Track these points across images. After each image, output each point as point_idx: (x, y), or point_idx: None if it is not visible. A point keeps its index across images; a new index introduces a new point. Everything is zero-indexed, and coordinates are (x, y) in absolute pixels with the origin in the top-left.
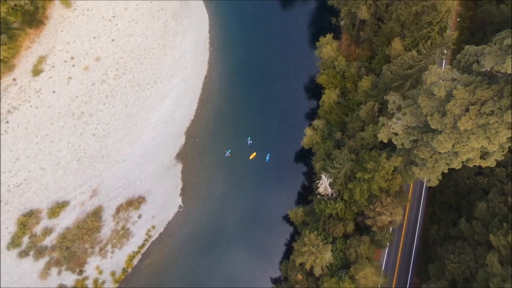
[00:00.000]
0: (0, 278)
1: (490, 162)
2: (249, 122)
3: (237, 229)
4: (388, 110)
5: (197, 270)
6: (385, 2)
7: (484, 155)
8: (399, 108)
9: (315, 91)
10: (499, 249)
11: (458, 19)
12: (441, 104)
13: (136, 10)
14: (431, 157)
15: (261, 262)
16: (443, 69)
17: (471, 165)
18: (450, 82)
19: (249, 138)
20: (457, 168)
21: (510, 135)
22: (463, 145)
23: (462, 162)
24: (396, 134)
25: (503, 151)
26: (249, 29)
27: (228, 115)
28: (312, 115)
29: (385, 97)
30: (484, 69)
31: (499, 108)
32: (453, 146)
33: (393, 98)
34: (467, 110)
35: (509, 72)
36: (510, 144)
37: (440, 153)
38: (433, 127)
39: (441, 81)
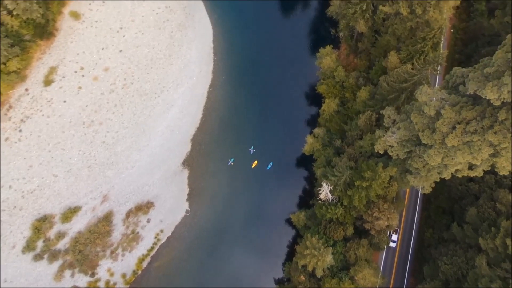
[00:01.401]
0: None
1: (477, 173)
2: (251, 129)
3: (241, 232)
4: (384, 123)
5: (203, 271)
6: (382, 17)
7: (472, 166)
8: (394, 123)
9: (315, 98)
10: (487, 252)
11: (452, 30)
12: (431, 121)
13: (142, 21)
14: (424, 167)
15: (264, 263)
16: (435, 87)
17: (460, 176)
18: (439, 101)
19: (252, 147)
20: (447, 178)
21: (491, 152)
22: (451, 159)
23: (452, 173)
24: (391, 146)
25: (489, 163)
26: (252, 39)
27: (232, 123)
28: (312, 121)
29: (381, 111)
30: (468, 92)
31: (482, 128)
32: (442, 159)
33: (388, 113)
34: (454, 128)
35: (488, 98)
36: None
37: None
38: (424, 142)
39: (431, 100)
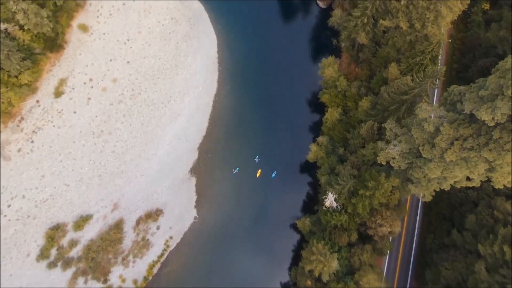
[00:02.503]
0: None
1: (475, 183)
2: (256, 136)
3: (248, 237)
4: (386, 137)
5: (212, 276)
6: (382, 30)
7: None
8: (395, 136)
9: (318, 106)
10: (486, 258)
11: (450, 40)
12: (431, 136)
13: (149, 33)
14: (424, 177)
15: (271, 267)
16: (434, 104)
17: (458, 186)
18: (438, 118)
19: (257, 156)
20: (446, 189)
21: (487, 167)
22: (450, 172)
23: (451, 184)
24: (393, 158)
25: (485, 175)
26: (255, 48)
27: (237, 131)
28: (316, 128)
29: (382, 124)
30: (465, 111)
31: (478, 145)
32: (441, 172)
33: (390, 126)
34: (452, 144)
35: (483, 119)
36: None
37: None
38: (424, 156)
39: (430, 117)
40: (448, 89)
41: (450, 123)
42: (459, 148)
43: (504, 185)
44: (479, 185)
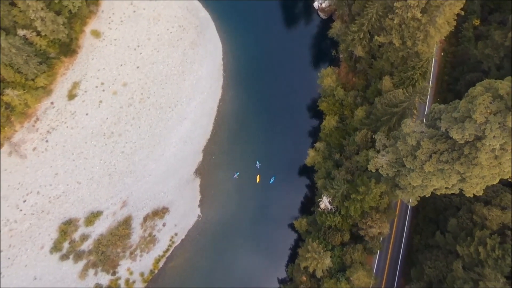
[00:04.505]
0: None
1: (454, 190)
2: (258, 140)
3: (248, 236)
4: (376, 147)
5: (214, 270)
6: (377, 44)
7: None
8: (384, 146)
9: (317, 112)
10: (464, 257)
11: (442, 53)
12: (413, 149)
13: (158, 40)
14: (409, 184)
15: (269, 264)
16: (417, 120)
17: (439, 193)
18: (419, 133)
19: (257, 162)
20: (427, 196)
21: (459, 178)
22: (429, 181)
23: (431, 191)
24: (382, 166)
25: (458, 184)
26: (258, 56)
27: (239, 135)
28: (315, 133)
29: (374, 136)
30: (441, 129)
31: (452, 158)
32: (422, 181)
33: (379, 138)
34: (430, 156)
35: (454, 137)
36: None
37: None
38: (407, 166)
39: (413, 132)
40: (432, 106)
41: (429, 138)
42: (436, 161)
43: (473, 194)
44: (457, 192)
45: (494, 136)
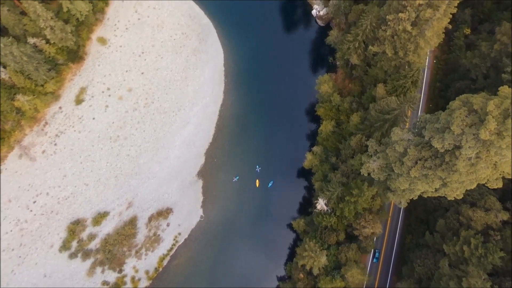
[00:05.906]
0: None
1: (440, 193)
2: (258, 144)
3: (249, 235)
4: (368, 152)
5: (216, 268)
6: (372, 53)
7: (436, 189)
8: (375, 152)
9: (315, 117)
10: (450, 256)
11: (434, 61)
12: (401, 155)
13: (161, 47)
14: (399, 187)
15: (269, 263)
16: (404, 129)
17: (426, 196)
18: (406, 141)
19: (257, 166)
20: (415, 199)
21: (441, 183)
22: (415, 185)
23: (418, 195)
24: (373, 170)
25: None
26: (259, 62)
27: (240, 138)
28: (312, 137)
29: (367, 142)
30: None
31: (435, 165)
32: (409, 185)
33: (371, 144)
34: (416, 163)
35: (435, 146)
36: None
37: None
38: (395, 171)
39: (401, 140)
40: (419, 116)
41: (415, 146)
42: (421, 167)
43: (455, 197)
44: (444, 195)
45: (469, 146)
